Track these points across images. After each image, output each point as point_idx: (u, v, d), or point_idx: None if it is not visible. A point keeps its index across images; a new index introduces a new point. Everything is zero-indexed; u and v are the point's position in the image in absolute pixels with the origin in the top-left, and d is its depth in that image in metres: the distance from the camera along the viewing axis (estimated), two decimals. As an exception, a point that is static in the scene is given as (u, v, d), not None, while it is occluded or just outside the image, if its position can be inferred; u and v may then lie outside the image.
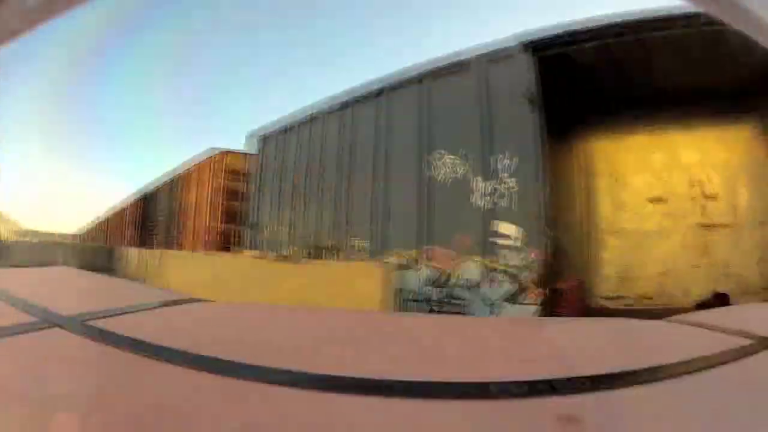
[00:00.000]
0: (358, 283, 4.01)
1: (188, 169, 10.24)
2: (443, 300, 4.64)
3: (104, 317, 1.08)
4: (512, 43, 4.61)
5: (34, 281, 1.70)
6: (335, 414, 0.58)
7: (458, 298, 4.56)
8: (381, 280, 4.09)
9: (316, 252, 5.92)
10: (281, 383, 0.67)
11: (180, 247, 9.51)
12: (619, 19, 4.25)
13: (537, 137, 4.33)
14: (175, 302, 1.40)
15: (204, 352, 0.80)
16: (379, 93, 5.69)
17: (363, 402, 0.61)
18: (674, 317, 1.31)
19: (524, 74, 4.42)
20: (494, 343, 1.01)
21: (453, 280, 4.63)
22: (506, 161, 4.52)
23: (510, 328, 1.23)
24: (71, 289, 1.65)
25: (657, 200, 5.99)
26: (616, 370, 0.76)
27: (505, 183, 4.48)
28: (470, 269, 4.54)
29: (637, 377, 0.72)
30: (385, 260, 4.87)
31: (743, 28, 0.39)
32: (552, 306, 4.10)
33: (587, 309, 5.70)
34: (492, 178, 4.56)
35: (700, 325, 1.16)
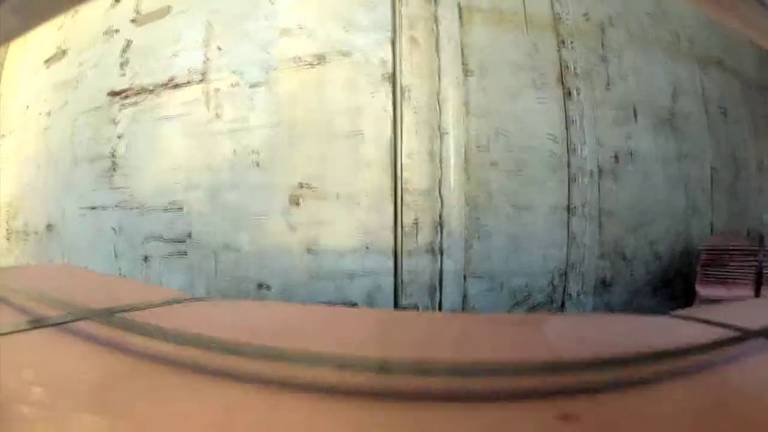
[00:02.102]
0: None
1: None
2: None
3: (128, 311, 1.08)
4: None
5: (33, 279, 1.71)
6: (339, 413, 0.58)
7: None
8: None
9: None
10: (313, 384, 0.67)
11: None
12: None
13: None
14: (179, 301, 1.40)
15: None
16: None
17: (364, 402, 0.61)
18: (677, 312, 1.30)
19: None
20: (493, 340, 1.01)
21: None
22: None
23: (509, 324, 1.23)
24: (77, 286, 1.65)
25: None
26: (617, 367, 0.76)
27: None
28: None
29: (637, 374, 0.72)
30: None
31: (742, 28, 0.39)
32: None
33: None
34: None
35: (706, 321, 1.16)
